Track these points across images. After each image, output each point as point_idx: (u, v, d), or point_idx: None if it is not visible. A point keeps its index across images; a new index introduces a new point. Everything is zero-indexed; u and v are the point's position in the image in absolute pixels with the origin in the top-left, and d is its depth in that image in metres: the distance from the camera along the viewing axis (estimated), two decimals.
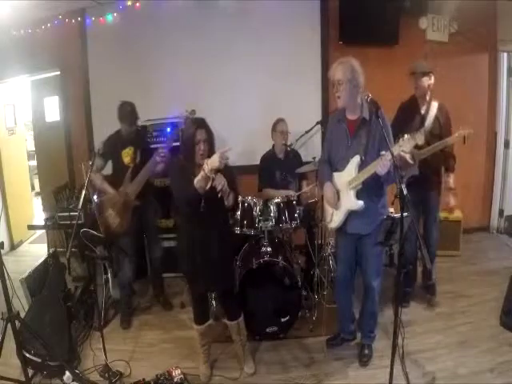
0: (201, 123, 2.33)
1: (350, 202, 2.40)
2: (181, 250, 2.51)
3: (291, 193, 3.35)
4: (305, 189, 3.57)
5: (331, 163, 2.57)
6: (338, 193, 2.49)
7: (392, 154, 2.05)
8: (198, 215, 2.26)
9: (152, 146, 3.31)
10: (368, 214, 2.39)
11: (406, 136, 2.07)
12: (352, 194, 2.39)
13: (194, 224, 2.37)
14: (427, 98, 3.12)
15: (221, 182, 2.16)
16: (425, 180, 3.03)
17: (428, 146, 2.97)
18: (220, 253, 2.41)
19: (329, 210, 2.60)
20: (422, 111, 3.12)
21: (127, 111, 3.10)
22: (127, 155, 3.12)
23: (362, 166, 2.34)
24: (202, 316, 2.63)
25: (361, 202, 2.36)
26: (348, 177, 2.39)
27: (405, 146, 2.06)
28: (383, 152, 2.16)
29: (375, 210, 2.42)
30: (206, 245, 2.38)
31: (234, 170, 2.45)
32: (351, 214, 2.44)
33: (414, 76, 3.08)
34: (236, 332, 2.66)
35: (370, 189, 2.36)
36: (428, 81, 3.07)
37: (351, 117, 2.42)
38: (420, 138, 2.05)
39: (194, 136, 2.27)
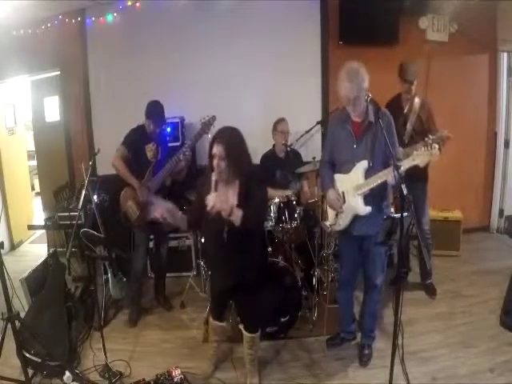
0: (217, 136, 2.16)
1: (358, 207, 2.38)
2: (207, 247, 2.48)
3: (288, 193, 3.35)
4: (305, 189, 3.57)
5: (334, 164, 2.54)
6: (343, 195, 2.46)
7: (393, 156, 2.04)
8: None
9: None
10: (374, 215, 2.37)
11: (422, 149, 2.05)
12: (359, 199, 2.36)
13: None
14: (409, 96, 3.21)
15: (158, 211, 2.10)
16: (410, 170, 3.06)
17: (412, 144, 3.04)
18: (245, 262, 2.28)
19: (332, 212, 2.57)
20: (405, 110, 3.19)
21: (159, 110, 3.14)
22: (150, 150, 3.14)
23: (369, 171, 2.32)
24: (218, 315, 2.61)
25: (369, 208, 2.34)
26: (355, 181, 2.37)
27: (418, 160, 2.05)
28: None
29: (380, 211, 2.40)
30: (230, 254, 2.27)
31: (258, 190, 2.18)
32: (357, 217, 2.42)
33: (401, 80, 3.15)
34: (249, 346, 2.53)
35: (376, 192, 2.34)
36: (414, 84, 3.16)
37: (356, 119, 2.39)
38: (436, 155, 2.02)
39: (211, 149, 2.13)
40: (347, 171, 2.42)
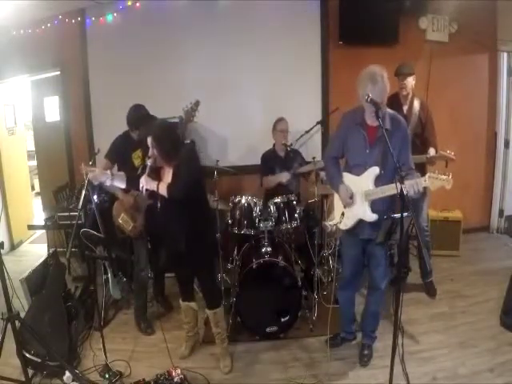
0: (148, 130, 2.46)
1: (364, 213, 2.37)
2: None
3: (285, 175, 3.50)
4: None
5: (346, 165, 2.53)
6: (352, 196, 2.44)
7: (394, 158, 2.04)
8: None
9: None
10: (380, 219, 2.35)
11: (436, 173, 2.05)
12: (367, 205, 2.36)
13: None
14: (409, 97, 3.22)
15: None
16: None
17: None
18: (183, 234, 2.49)
19: (338, 211, 2.54)
20: (404, 111, 3.19)
21: (132, 117, 3.02)
22: (137, 157, 3.08)
23: (380, 178, 2.32)
24: (184, 295, 2.79)
25: (375, 216, 2.33)
26: (364, 187, 2.35)
27: (430, 183, 2.05)
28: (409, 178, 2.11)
29: (385, 214, 2.37)
30: (169, 229, 2.56)
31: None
32: (363, 221, 2.41)
33: (400, 77, 3.18)
34: (214, 323, 2.71)
35: (386, 197, 2.32)
36: (412, 81, 3.20)
37: (371, 123, 2.37)
38: (449, 184, 2.02)
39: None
40: (358, 174, 2.41)
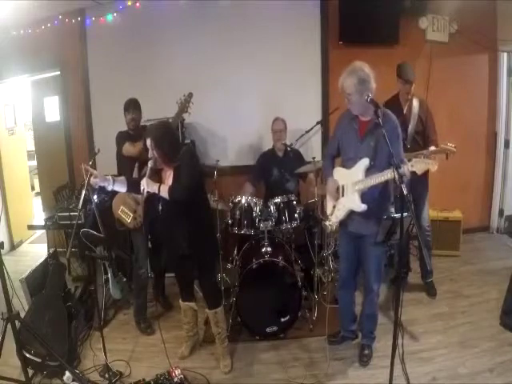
0: (147, 131, 2.47)
1: (354, 203, 2.39)
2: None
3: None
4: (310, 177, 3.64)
5: (337, 157, 2.61)
6: (342, 188, 2.49)
7: (393, 155, 2.04)
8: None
9: None
10: (371, 214, 2.37)
11: (422, 158, 2.07)
12: (356, 195, 2.38)
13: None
14: (409, 97, 3.22)
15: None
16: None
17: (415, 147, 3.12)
18: (185, 236, 2.50)
19: (330, 204, 2.60)
20: (404, 111, 3.20)
21: (137, 103, 3.12)
22: (136, 146, 3.06)
23: (370, 170, 2.33)
24: (184, 295, 2.80)
25: (364, 206, 2.35)
26: (354, 178, 2.38)
27: (416, 167, 2.07)
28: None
29: (379, 210, 2.39)
30: (170, 228, 2.56)
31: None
32: (354, 213, 2.44)
33: (407, 83, 3.16)
34: (214, 323, 2.71)
35: (375, 189, 2.34)
36: (413, 84, 3.19)
37: (363, 118, 2.42)
38: (434, 166, 2.03)
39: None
40: (350, 167, 2.45)
